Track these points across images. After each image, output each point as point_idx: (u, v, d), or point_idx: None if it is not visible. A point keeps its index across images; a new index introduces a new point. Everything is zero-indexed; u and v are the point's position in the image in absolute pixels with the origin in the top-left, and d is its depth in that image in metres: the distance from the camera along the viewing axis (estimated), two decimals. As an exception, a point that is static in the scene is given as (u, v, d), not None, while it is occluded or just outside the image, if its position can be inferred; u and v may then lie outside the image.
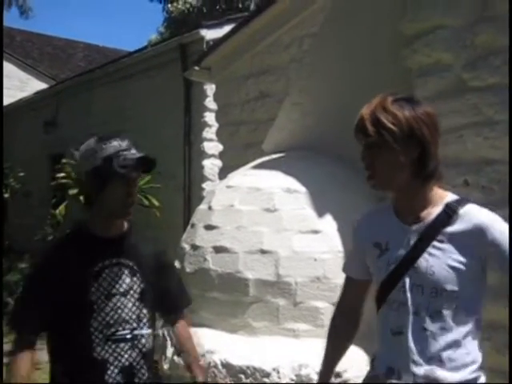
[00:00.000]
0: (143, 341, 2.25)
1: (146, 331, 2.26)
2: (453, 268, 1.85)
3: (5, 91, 18.13)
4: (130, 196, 2.20)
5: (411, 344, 1.88)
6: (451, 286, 1.85)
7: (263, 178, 4.47)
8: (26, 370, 2.15)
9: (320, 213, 4.13)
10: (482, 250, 1.86)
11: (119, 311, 2.19)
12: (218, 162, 7.57)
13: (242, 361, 3.64)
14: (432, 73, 3.76)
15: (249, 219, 4.19)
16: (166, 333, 4.12)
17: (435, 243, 1.88)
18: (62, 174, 8.78)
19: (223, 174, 6.25)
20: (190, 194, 9.89)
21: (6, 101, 17.20)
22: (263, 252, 4.00)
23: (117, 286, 2.20)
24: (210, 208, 4.47)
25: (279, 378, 3.53)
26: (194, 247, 4.34)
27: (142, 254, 2.30)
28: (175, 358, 3.93)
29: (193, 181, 9.85)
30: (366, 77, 4.27)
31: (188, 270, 4.31)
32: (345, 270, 2.22)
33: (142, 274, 2.26)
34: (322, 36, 4.96)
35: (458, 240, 1.86)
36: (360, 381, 3.41)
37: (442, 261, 1.86)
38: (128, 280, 2.23)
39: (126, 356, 2.19)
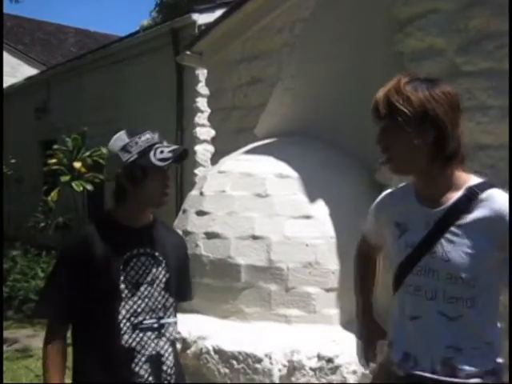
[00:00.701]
0: (170, 329, 2.27)
1: (172, 320, 2.28)
2: (470, 255, 1.79)
3: (-5, 77, 18.05)
4: (166, 187, 2.25)
5: (429, 329, 1.85)
6: (467, 274, 1.79)
7: (255, 163, 4.45)
8: (60, 363, 2.19)
9: (312, 198, 4.11)
10: (500, 237, 1.79)
11: (146, 300, 2.22)
12: (211, 148, 7.53)
13: (234, 346, 3.64)
14: (425, 57, 3.74)
15: (240, 205, 4.18)
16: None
17: (453, 229, 1.83)
18: (54, 160, 8.73)
19: (215, 159, 6.22)
20: (181, 180, 9.87)
21: (-3, 87, 17.13)
22: (255, 237, 3.99)
23: (144, 275, 2.23)
24: (201, 194, 4.45)
25: (271, 363, 3.53)
26: (186, 233, 4.32)
27: (166, 244, 2.33)
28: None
29: (185, 166, 9.81)
30: (359, 61, 4.25)
31: (180, 256, 4.30)
32: (363, 232, 2.27)
33: (167, 263, 2.30)
34: (313, 20, 4.92)
35: (476, 226, 1.81)
36: (352, 367, 3.44)
37: (458, 247, 1.81)
38: (154, 269, 2.26)
39: (153, 345, 2.21)
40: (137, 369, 2.18)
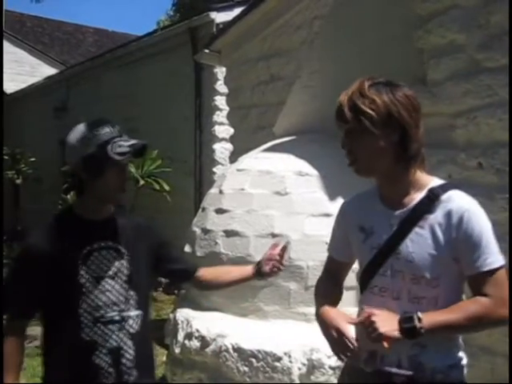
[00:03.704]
0: (131, 322, 2.28)
1: (133, 313, 2.29)
2: (432, 255, 1.84)
3: (15, 77, 18.24)
4: (123, 182, 2.26)
5: None
6: (430, 274, 1.84)
7: (274, 161, 4.45)
8: (16, 360, 2.24)
9: (331, 196, 4.10)
10: (453, 238, 1.83)
11: (107, 293, 2.24)
12: (229, 146, 7.53)
13: (253, 345, 3.64)
14: (445, 54, 3.70)
15: (260, 203, 4.17)
16: (177, 317, 4.13)
17: (417, 229, 1.87)
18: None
19: (234, 157, 6.22)
20: (200, 178, 9.87)
21: (17, 86, 17.31)
22: (274, 235, 3.98)
23: (105, 269, 2.24)
24: (220, 192, 4.45)
25: (290, 362, 3.53)
26: (205, 231, 4.33)
27: (130, 235, 2.33)
28: (186, 342, 3.94)
29: (203, 165, 9.82)
30: (378, 58, 4.22)
31: (199, 253, 4.31)
32: (328, 249, 2.24)
33: (130, 256, 2.30)
34: (332, 17, 4.90)
35: (437, 226, 1.84)
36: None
37: (421, 247, 1.85)
38: (116, 263, 2.27)
39: (114, 337, 2.23)
40: (97, 361, 2.20)
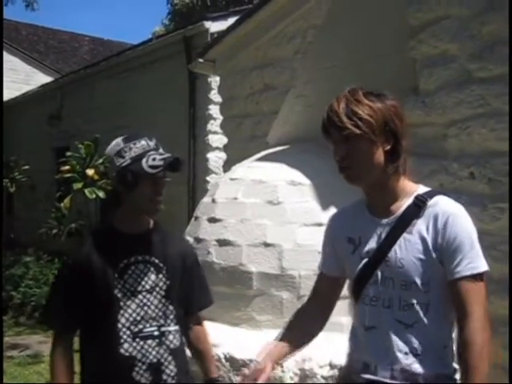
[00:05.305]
0: (170, 337, 2.26)
1: (173, 328, 2.28)
2: (420, 260, 1.84)
3: (10, 84, 18.20)
4: (157, 195, 2.26)
5: (386, 338, 1.88)
6: (420, 279, 1.84)
7: (267, 170, 4.45)
8: (67, 370, 2.22)
9: (324, 205, 4.10)
10: (440, 243, 1.84)
11: (145, 308, 2.22)
12: (223, 155, 7.53)
13: (246, 354, 3.62)
14: (437, 64, 3.72)
15: (252, 212, 4.17)
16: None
17: (405, 235, 1.87)
18: (67, 167, 8.78)
19: (227, 166, 6.22)
20: (194, 187, 9.87)
21: (12, 94, 17.26)
22: (267, 245, 3.98)
23: (142, 283, 2.23)
24: (213, 201, 4.45)
25: (283, 371, 3.51)
26: (198, 240, 4.32)
27: (168, 250, 2.33)
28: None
29: (197, 174, 9.81)
30: (371, 68, 4.23)
31: (191, 263, 4.29)
32: (318, 267, 2.20)
33: (168, 271, 2.29)
34: (326, 27, 4.92)
35: (424, 231, 1.85)
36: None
37: (410, 252, 1.86)
38: (153, 277, 2.25)
39: (154, 353, 2.21)
40: (138, 377, 2.18)
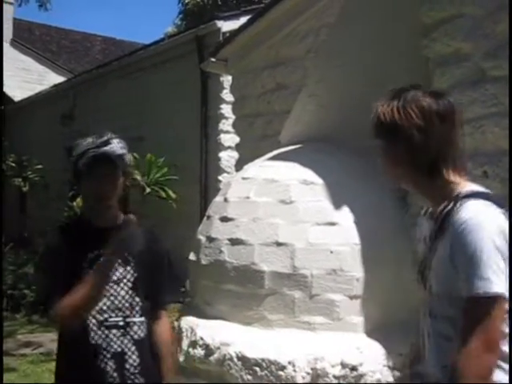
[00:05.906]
0: (135, 328, 2.31)
1: (138, 319, 2.33)
2: (448, 270, 1.70)
3: (23, 84, 18.35)
4: (97, 191, 2.31)
5: (430, 348, 1.83)
6: (451, 289, 1.71)
7: (279, 169, 4.44)
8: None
9: (336, 205, 4.08)
10: (453, 253, 1.70)
11: (112, 298, 2.28)
12: (235, 154, 7.54)
13: (257, 353, 3.62)
14: (451, 62, 3.70)
15: (265, 211, 4.16)
16: (181, 324, 4.12)
17: (441, 241, 1.75)
18: (79, 167, 8.80)
19: (239, 165, 6.22)
20: (206, 186, 9.89)
21: (25, 94, 17.40)
22: (279, 244, 3.97)
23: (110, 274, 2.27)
24: (225, 200, 4.45)
25: (295, 371, 3.51)
26: (210, 239, 4.32)
27: (137, 244, 2.33)
28: (190, 350, 3.93)
29: (209, 173, 9.84)
30: (384, 67, 4.22)
31: (203, 262, 4.30)
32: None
33: (136, 263, 2.34)
34: (338, 26, 4.90)
35: (449, 239, 1.71)
36: (376, 375, 3.40)
37: (442, 261, 1.74)
38: (121, 269, 2.31)
39: (119, 342, 2.27)
40: (102, 365, 2.24)
